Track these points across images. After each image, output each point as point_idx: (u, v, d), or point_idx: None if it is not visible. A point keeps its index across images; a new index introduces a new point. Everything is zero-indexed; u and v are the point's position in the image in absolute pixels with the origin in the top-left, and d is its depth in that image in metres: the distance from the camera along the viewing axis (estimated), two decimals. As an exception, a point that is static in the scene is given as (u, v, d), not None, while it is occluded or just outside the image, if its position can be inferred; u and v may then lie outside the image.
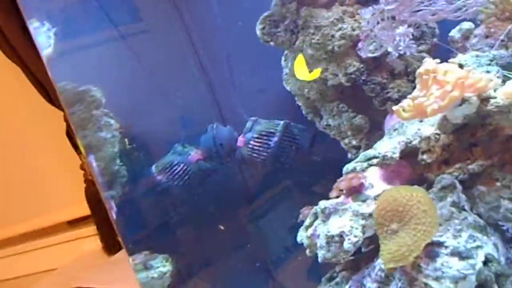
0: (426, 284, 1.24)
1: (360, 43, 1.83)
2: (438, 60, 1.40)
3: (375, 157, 1.69)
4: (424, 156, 1.62)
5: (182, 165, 2.17)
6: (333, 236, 1.52)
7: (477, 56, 1.62)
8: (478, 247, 1.27)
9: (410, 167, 1.68)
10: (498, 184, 1.48)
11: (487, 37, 1.84)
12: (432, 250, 1.25)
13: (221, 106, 2.53)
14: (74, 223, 3.80)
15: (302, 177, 2.36)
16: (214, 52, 2.44)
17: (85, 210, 3.36)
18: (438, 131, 1.60)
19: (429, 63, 1.32)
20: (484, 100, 1.37)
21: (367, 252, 1.52)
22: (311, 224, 1.71)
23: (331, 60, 1.93)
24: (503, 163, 1.46)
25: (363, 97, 1.98)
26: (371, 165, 1.69)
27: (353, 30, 1.85)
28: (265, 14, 2.12)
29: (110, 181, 2.19)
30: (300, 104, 2.23)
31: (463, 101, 1.37)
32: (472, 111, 1.38)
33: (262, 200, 2.52)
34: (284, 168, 2.26)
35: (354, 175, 1.60)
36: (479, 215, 1.51)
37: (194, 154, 2.20)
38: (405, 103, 1.39)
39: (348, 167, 1.75)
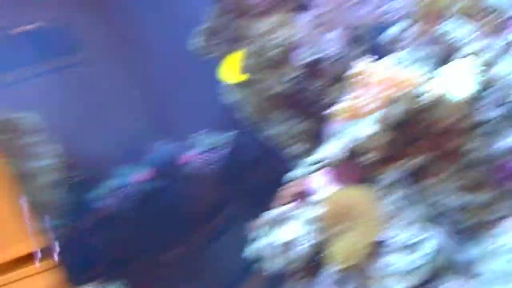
0: (379, 279, 1.22)
1: (296, 50, 1.84)
2: (370, 61, 1.43)
3: (320, 161, 1.68)
4: (370, 155, 1.63)
5: (123, 188, 2.07)
6: (281, 245, 1.49)
7: (408, 53, 1.66)
8: (427, 238, 1.28)
9: (357, 167, 1.68)
10: (443, 175, 1.52)
11: (418, 35, 1.91)
12: (381, 246, 1.24)
13: (165, 125, 2.46)
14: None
15: (254, 188, 2.32)
16: (153, 71, 2.38)
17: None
18: (380, 129, 1.62)
19: (361, 65, 1.34)
20: (416, 96, 1.40)
21: (317, 259, 1.49)
22: (259, 236, 1.67)
23: (270, 68, 1.93)
24: (445, 155, 1.50)
25: (304, 103, 1.99)
26: (317, 169, 1.68)
27: (289, 37, 1.86)
28: (203, 26, 2.10)
29: (48, 211, 2.04)
30: (242, 115, 2.20)
31: (397, 98, 1.40)
32: (407, 107, 1.41)
33: (217, 219, 2.45)
34: (235, 180, 2.22)
35: (300, 181, 1.58)
36: (427, 207, 1.54)
37: (137, 175, 2.11)
38: (341, 106, 1.40)
39: (294, 173, 1.73)
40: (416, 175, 1.56)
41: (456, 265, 1.32)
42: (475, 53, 1.46)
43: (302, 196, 1.55)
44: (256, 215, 1.84)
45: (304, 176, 1.66)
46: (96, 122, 2.31)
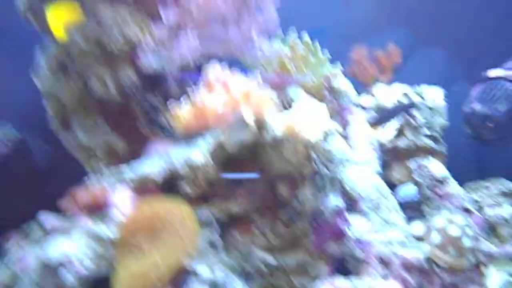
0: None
1: (142, 54, 1.60)
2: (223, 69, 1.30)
3: (130, 178, 1.39)
4: (187, 188, 1.42)
5: None
6: (51, 264, 1.08)
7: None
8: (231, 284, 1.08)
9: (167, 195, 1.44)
10: (255, 230, 1.40)
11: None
12: (183, 278, 0.99)
13: None
14: None
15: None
16: None
17: None
18: (208, 161, 1.45)
19: (218, 68, 1.19)
20: (262, 128, 1.31)
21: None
22: (19, 248, 1.21)
23: (107, 64, 1.63)
24: (263, 207, 1.40)
25: (129, 116, 1.71)
26: (123, 184, 1.37)
27: (138, 37, 1.63)
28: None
29: None
30: (48, 107, 1.76)
31: (243, 124, 1.28)
32: (249, 137, 1.29)
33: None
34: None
35: (100, 188, 1.24)
36: (238, 259, 1.38)
37: None
38: (185, 107, 1.20)
39: (92, 181, 1.38)
40: (227, 224, 1.41)
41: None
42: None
43: (97, 207, 1.20)
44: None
45: (103, 189, 1.32)
46: None
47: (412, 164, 1.90)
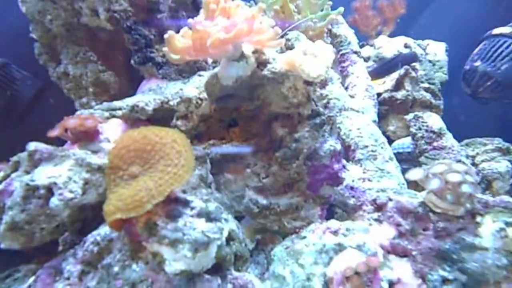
0: (155, 253, 0.91)
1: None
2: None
3: (120, 108, 1.32)
4: (179, 122, 1.37)
5: None
6: (37, 188, 1.03)
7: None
8: (225, 219, 1.05)
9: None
10: (248, 170, 1.36)
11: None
12: (175, 208, 0.95)
13: None
14: None
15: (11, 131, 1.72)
16: None
17: None
18: (202, 95, 1.39)
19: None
20: (261, 63, 1.24)
21: (87, 215, 1.09)
22: (5, 177, 1.15)
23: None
24: (257, 149, 1.35)
25: (120, 50, 1.62)
26: (114, 116, 1.31)
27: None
28: None
29: None
30: (35, 37, 1.65)
31: (241, 57, 1.21)
32: (247, 72, 1.23)
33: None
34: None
35: (90, 117, 1.17)
36: (230, 200, 1.35)
37: None
38: (182, 32, 1.12)
39: (82, 112, 1.31)
40: (219, 164, 1.37)
41: (248, 258, 1.12)
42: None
43: (87, 136, 1.15)
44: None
45: (93, 117, 1.26)
46: None
47: (408, 116, 1.87)
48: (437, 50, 2.16)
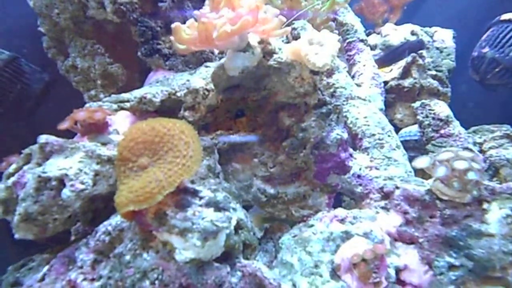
0: (165, 242, 0.93)
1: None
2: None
3: (128, 100, 1.34)
4: (186, 113, 1.38)
5: None
6: (49, 179, 1.05)
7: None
8: (233, 209, 1.07)
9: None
10: (255, 160, 1.37)
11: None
12: (184, 198, 0.97)
13: None
14: None
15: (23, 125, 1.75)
16: None
17: None
18: (209, 86, 1.40)
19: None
20: (267, 54, 1.25)
21: (98, 206, 1.11)
22: (18, 169, 1.17)
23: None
24: (264, 138, 1.36)
25: (127, 42, 1.63)
26: (122, 108, 1.33)
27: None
28: None
29: None
30: (43, 30, 1.67)
31: (247, 48, 1.21)
32: (253, 63, 1.24)
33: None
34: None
35: (99, 109, 1.19)
36: (238, 189, 1.37)
37: None
38: (188, 23, 1.13)
39: (91, 105, 1.33)
40: (227, 154, 1.38)
41: (257, 246, 1.14)
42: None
43: (96, 128, 1.17)
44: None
45: (102, 110, 1.27)
46: None
47: (415, 103, 1.86)
48: (444, 37, 2.14)
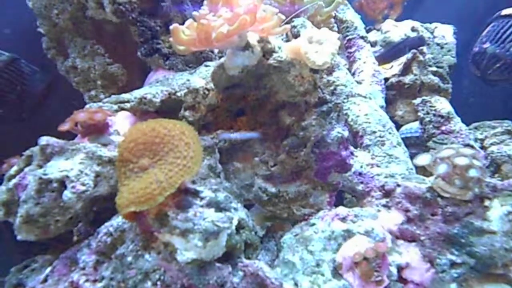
0: (167, 243, 0.93)
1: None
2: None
3: (129, 100, 1.34)
4: (187, 113, 1.38)
5: None
6: (50, 181, 1.05)
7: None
8: (234, 208, 1.07)
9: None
10: (256, 159, 1.37)
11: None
12: (185, 198, 0.97)
13: None
14: None
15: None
16: None
17: None
18: (209, 85, 1.39)
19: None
20: (267, 52, 1.25)
21: (98, 207, 1.11)
22: (19, 171, 1.17)
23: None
24: (265, 137, 1.36)
25: (127, 42, 1.62)
26: (122, 108, 1.33)
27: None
28: None
29: None
30: (42, 31, 1.67)
31: (247, 47, 1.21)
32: (252, 62, 1.23)
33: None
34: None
35: (99, 110, 1.19)
36: (239, 188, 1.37)
37: None
38: (187, 24, 1.12)
39: (91, 106, 1.33)
40: (228, 153, 1.38)
41: (259, 246, 1.14)
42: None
43: (96, 129, 1.17)
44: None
45: (102, 111, 1.27)
46: None
47: (416, 100, 1.86)
48: (445, 33, 2.13)
